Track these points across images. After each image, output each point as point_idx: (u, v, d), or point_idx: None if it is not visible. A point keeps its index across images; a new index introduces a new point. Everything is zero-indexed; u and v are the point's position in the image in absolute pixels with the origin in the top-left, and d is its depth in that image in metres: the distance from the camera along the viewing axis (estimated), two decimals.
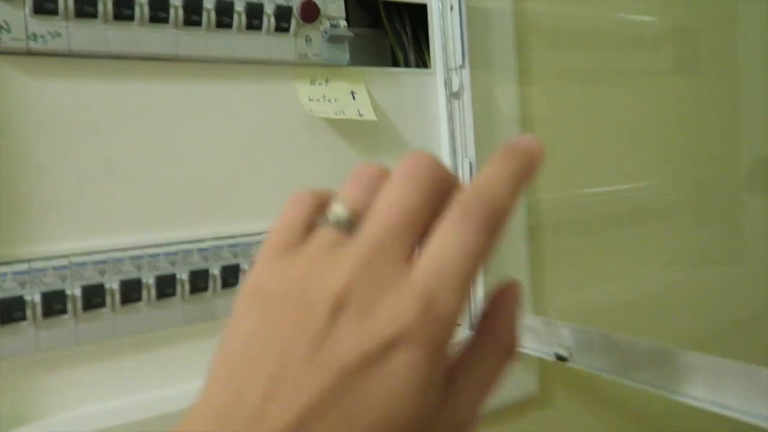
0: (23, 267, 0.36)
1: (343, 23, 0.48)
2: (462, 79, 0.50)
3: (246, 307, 0.20)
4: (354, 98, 0.49)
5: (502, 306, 0.22)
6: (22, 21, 0.36)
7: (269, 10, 0.44)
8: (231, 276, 0.43)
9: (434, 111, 0.53)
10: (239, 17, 0.42)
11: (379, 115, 0.50)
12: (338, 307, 0.18)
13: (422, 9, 0.53)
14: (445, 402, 0.19)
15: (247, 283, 0.20)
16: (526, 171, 0.20)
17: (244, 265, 0.43)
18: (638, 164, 0.65)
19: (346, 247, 0.19)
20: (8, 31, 0.35)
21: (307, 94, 0.47)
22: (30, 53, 0.36)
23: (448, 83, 0.51)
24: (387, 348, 0.17)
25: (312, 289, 0.18)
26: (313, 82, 0.47)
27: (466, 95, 0.50)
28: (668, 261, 0.64)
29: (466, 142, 0.50)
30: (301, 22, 0.45)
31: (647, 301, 0.61)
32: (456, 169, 0.51)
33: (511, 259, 0.55)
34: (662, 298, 0.62)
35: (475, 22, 0.52)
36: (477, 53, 0.52)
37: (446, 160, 0.52)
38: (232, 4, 0.42)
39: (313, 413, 0.17)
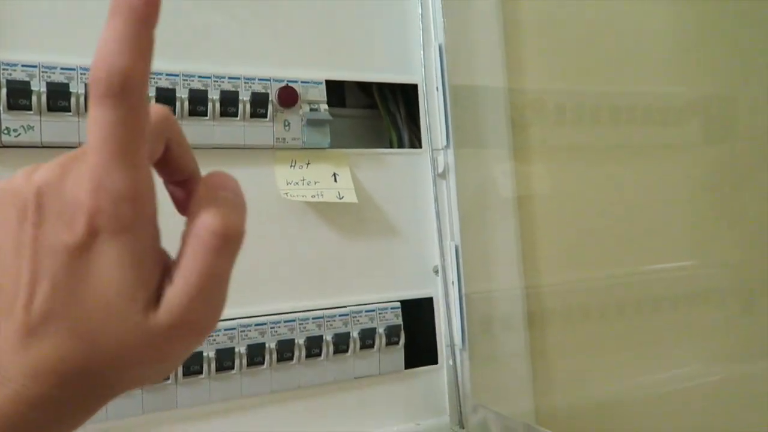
0: None
1: (324, 107, 0.48)
2: (447, 159, 0.48)
3: None
4: (336, 180, 0.48)
5: (198, 195, 0.20)
6: None
7: (245, 97, 0.44)
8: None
9: (425, 192, 0.51)
10: (213, 105, 0.43)
11: (364, 196, 0.49)
12: (39, 207, 0.19)
13: (417, 89, 0.53)
14: (161, 297, 0.20)
15: None
16: (137, 19, 0.18)
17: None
18: (662, 245, 0.60)
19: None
20: None
21: (285, 177, 0.46)
22: (3, 146, 0.38)
23: (433, 164, 0.49)
24: (86, 240, 0.18)
25: (22, 192, 0.19)
26: (293, 165, 0.47)
27: (452, 176, 0.48)
28: (696, 353, 0.58)
29: (453, 224, 0.48)
30: (279, 107, 0.46)
31: (672, 399, 0.55)
32: (443, 251, 0.49)
33: (509, 347, 0.51)
34: (691, 396, 0.56)
35: (467, 101, 0.51)
36: (469, 132, 0.50)
37: (433, 241, 0.50)
38: (206, 93, 0.43)
39: (49, 315, 0.19)
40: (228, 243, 0.20)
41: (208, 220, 0.20)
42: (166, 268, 0.20)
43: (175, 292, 0.20)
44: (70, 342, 0.20)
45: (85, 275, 0.19)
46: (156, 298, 0.20)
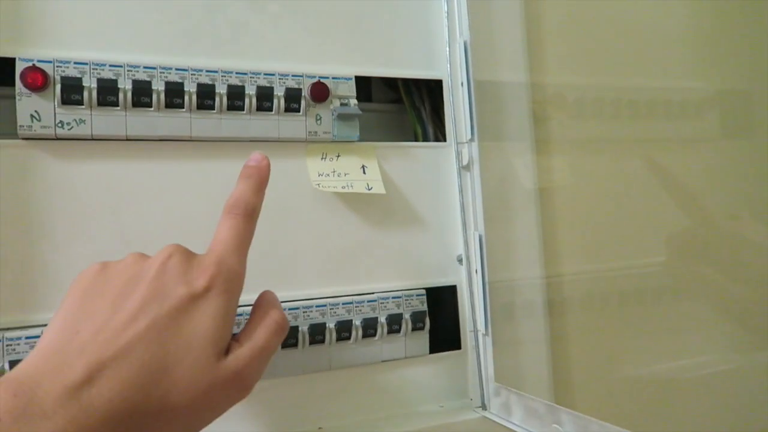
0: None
1: (353, 102, 0.50)
2: (471, 152, 0.50)
3: (91, 275, 0.29)
4: (365, 172, 0.50)
5: (263, 299, 0.34)
6: (52, 111, 0.40)
7: (279, 92, 0.47)
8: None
9: (450, 184, 0.53)
10: (250, 100, 0.46)
11: (392, 188, 0.51)
12: (162, 271, 0.29)
13: (441, 84, 0.55)
14: (229, 352, 0.29)
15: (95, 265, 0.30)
16: (261, 180, 0.34)
17: None
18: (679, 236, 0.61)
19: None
20: (39, 119, 0.40)
21: (317, 169, 0.49)
22: (57, 138, 0.41)
23: (458, 157, 0.51)
24: (202, 291, 0.28)
25: (143, 265, 0.30)
26: (324, 158, 0.49)
27: (476, 168, 0.50)
28: (715, 343, 0.59)
29: (477, 214, 0.50)
30: (311, 102, 0.48)
31: (689, 385, 0.56)
32: (467, 241, 0.51)
33: (529, 333, 0.53)
34: (706, 383, 0.57)
35: (491, 96, 0.53)
36: (493, 126, 0.52)
37: (458, 231, 0.52)
38: (243, 89, 0.45)
39: (132, 347, 0.25)
40: (284, 332, 0.32)
41: (276, 315, 0.32)
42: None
43: (244, 350, 0.29)
44: (137, 377, 0.25)
45: (181, 321, 0.27)
46: (225, 351, 0.28)
